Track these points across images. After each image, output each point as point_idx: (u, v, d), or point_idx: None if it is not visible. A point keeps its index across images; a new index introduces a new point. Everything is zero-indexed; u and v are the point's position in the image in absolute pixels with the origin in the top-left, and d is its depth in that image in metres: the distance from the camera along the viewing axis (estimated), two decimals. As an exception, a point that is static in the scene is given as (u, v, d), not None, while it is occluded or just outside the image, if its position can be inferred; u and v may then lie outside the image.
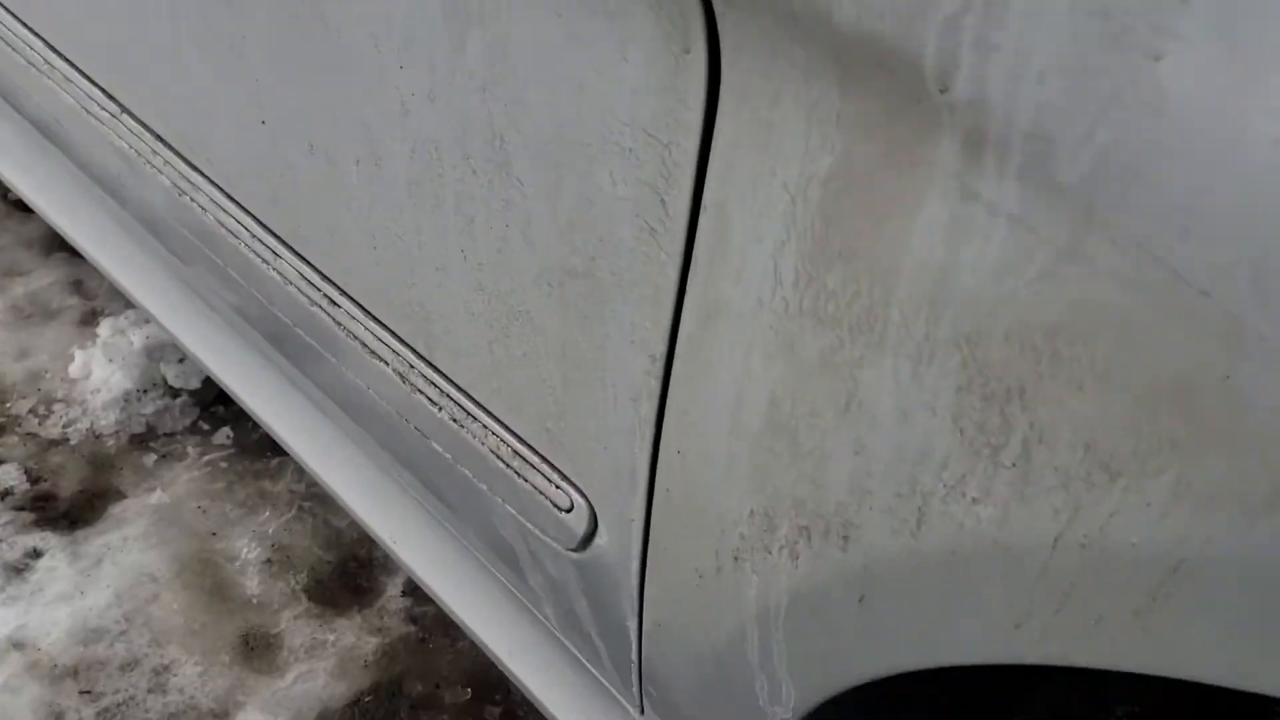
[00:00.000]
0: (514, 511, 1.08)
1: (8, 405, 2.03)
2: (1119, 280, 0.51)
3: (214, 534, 1.87)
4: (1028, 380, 0.56)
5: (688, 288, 0.75)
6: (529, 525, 1.07)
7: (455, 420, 1.07)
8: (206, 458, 1.99)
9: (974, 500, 0.61)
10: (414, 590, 1.81)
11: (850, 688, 0.79)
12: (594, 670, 1.26)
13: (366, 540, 1.87)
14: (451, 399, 1.06)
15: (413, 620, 1.78)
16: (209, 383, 2.07)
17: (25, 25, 1.52)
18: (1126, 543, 0.54)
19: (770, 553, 0.77)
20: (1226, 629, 0.53)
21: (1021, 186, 0.54)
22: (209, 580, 1.81)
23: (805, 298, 0.66)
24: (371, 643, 1.74)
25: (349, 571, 1.85)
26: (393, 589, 1.82)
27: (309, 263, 1.17)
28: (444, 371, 1.06)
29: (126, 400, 2.04)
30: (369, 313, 1.12)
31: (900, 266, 0.60)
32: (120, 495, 1.92)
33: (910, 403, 0.62)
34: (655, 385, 0.82)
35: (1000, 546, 0.60)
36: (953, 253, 0.58)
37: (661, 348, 0.80)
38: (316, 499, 1.93)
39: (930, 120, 0.57)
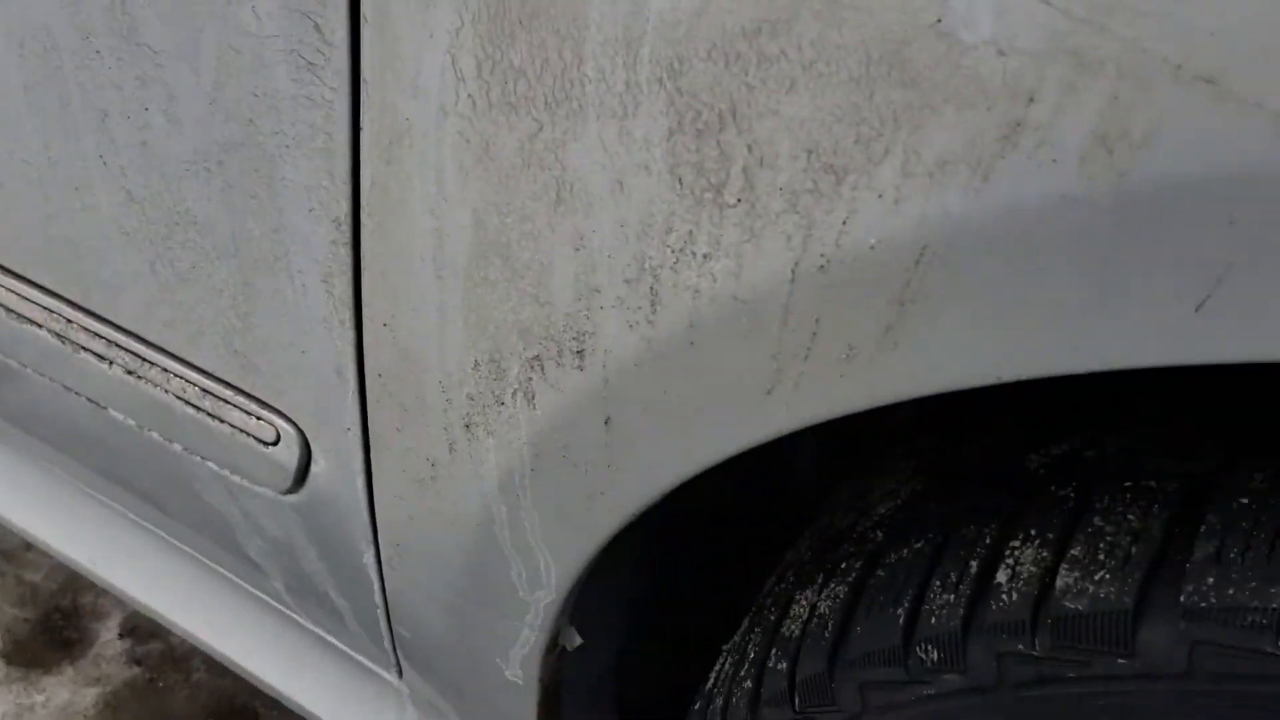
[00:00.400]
0: (215, 466, 0.96)
1: None
2: (813, -49, 0.47)
3: (-125, 614, 1.61)
4: (738, 97, 0.51)
5: (362, 123, 0.67)
6: (235, 478, 0.95)
7: (131, 373, 0.93)
8: None
9: (705, 257, 0.55)
10: (133, 629, 1.61)
11: (611, 539, 0.73)
12: (343, 645, 1.14)
13: (69, 587, 1.66)
14: (121, 347, 0.92)
15: (136, 661, 1.58)
16: None
17: None
18: (865, 247, 0.50)
19: (504, 403, 0.69)
20: (976, 317, 0.50)
21: (696, -119, 0.49)
22: (-125, 666, 1.55)
23: (492, 87, 0.59)
24: (90, 694, 1.54)
25: (53, 626, 1.63)
26: (107, 633, 1.62)
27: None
28: (106, 317, 0.92)
29: None
30: (6, 269, 0.96)
31: (587, 12, 0.54)
32: None
33: (623, 168, 0.56)
34: (345, 254, 0.73)
35: (739, 301, 0.55)
36: (637, -23, 0.52)
37: (345, 206, 0.71)
38: (1, 555, 1.69)
39: None
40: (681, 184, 0.55)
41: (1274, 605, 0.51)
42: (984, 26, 0.44)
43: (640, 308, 0.59)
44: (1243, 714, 0.53)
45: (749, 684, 0.74)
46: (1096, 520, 0.59)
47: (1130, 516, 0.58)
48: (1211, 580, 0.53)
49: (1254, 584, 0.52)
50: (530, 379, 0.67)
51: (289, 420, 0.86)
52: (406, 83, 0.63)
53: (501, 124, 0.60)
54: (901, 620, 0.64)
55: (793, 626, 0.73)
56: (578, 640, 0.87)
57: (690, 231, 0.56)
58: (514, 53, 0.58)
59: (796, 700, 0.70)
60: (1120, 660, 0.56)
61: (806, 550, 0.82)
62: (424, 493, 0.80)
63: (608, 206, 0.58)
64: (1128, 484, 0.60)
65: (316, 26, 0.65)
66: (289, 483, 0.90)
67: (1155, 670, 0.55)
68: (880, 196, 0.49)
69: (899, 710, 0.65)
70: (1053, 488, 0.63)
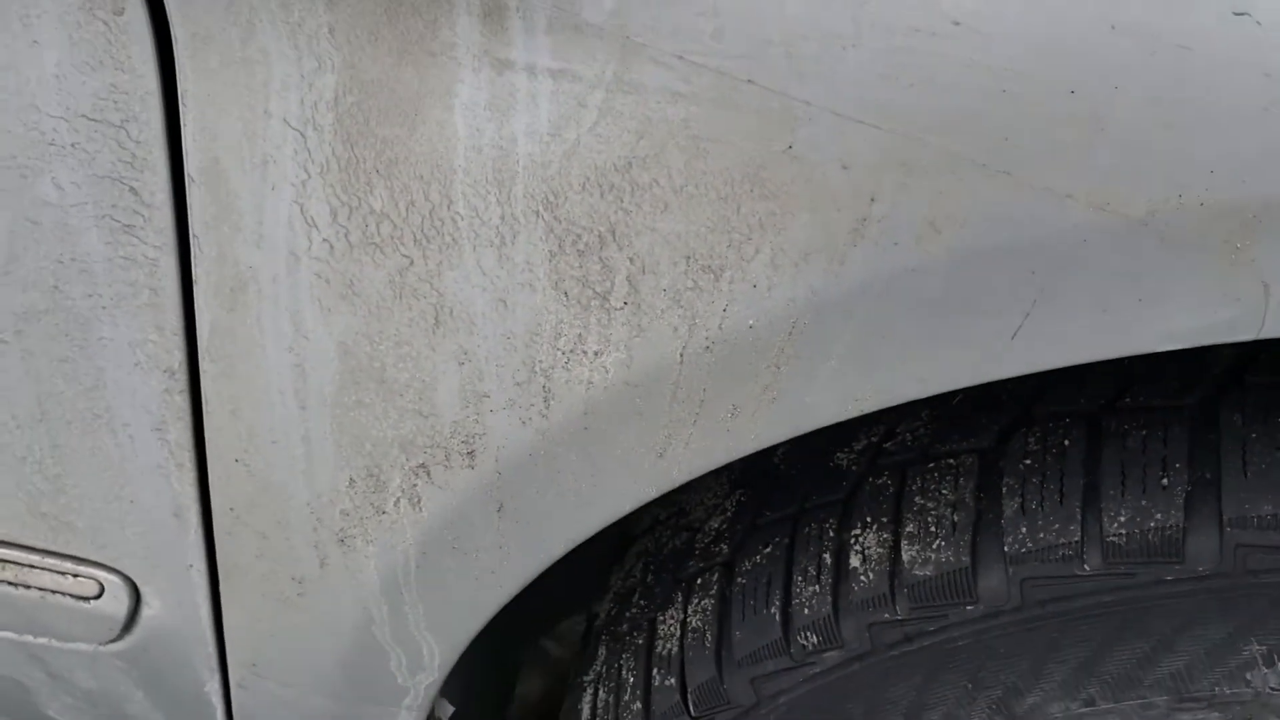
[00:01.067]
0: (15, 635, 0.90)
1: None
2: (672, 95, 0.56)
3: None
4: (615, 220, 0.59)
5: (195, 276, 0.68)
6: (42, 641, 0.90)
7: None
8: None
9: (597, 354, 0.63)
10: None
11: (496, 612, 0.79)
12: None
13: None
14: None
15: None
16: None
17: None
18: (745, 328, 0.60)
19: (385, 512, 0.73)
20: (839, 368, 0.61)
21: (554, 40, 0.57)
22: None
23: (351, 230, 0.63)
24: None
25: None
26: None
27: None
28: None
29: None
30: None
31: (452, 159, 0.60)
32: None
33: (505, 288, 0.63)
34: (182, 401, 0.73)
35: (631, 386, 0.64)
36: (505, 126, 0.59)
37: (179, 356, 0.71)
38: None
39: (442, 4, 0.57)
40: (568, 296, 0.62)
41: (1075, 539, 0.67)
42: (829, 149, 0.55)
43: (533, 405, 0.66)
44: (1070, 629, 0.68)
45: (637, 705, 0.83)
46: (918, 499, 0.73)
47: (944, 491, 0.73)
48: (1024, 530, 0.69)
49: (1056, 525, 0.68)
50: (415, 485, 0.71)
51: (114, 571, 0.84)
52: (247, 234, 0.65)
53: (366, 263, 0.64)
54: (778, 616, 0.76)
55: (668, 645, 0.82)
56: (450, 709, 0.92)
57: (580, 334, 0.63)
58: (373, 198, 0.62)
59: (691, 708, 0.80)
60: (968, 608, 0.70)
61: (641, 573, 0.92)
62: (288, 610, 0.81)
63: (491, 323, 0.64)
64: (931, 465, 0.74)
65: (132, 190, 0.66)
66: (115, 632, 0.88)
67: (997, 609, 0.69)
68: (755, 286, 0.59)
69: (790, 692, 0.76)
70: (870, 479, 0.77)
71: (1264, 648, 0.66)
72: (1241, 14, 0.50)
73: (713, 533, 0.85)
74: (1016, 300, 0.57)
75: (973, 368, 0.60)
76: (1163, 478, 0.67)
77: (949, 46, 0.53)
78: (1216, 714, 0.69)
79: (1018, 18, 0.52)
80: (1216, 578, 0.65)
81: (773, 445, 0.76)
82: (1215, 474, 0.66)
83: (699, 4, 0.55)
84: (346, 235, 0.64)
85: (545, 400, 0.65)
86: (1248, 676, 0.67)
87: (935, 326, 0.59)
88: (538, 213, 0.60)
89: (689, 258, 0.60)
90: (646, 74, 0.56)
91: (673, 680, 0.81)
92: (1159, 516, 0.66)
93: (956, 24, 0.52)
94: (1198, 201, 0.52)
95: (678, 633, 0.82)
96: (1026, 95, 0.53)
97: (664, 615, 0.84)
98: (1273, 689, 0.67)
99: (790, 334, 0.60)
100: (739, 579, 0.80)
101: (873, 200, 0.56)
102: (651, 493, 0.69)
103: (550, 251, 0.61)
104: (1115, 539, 0.67)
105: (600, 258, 0.61)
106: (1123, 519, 0.67)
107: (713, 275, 0.60)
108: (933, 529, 0.71)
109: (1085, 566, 0.67)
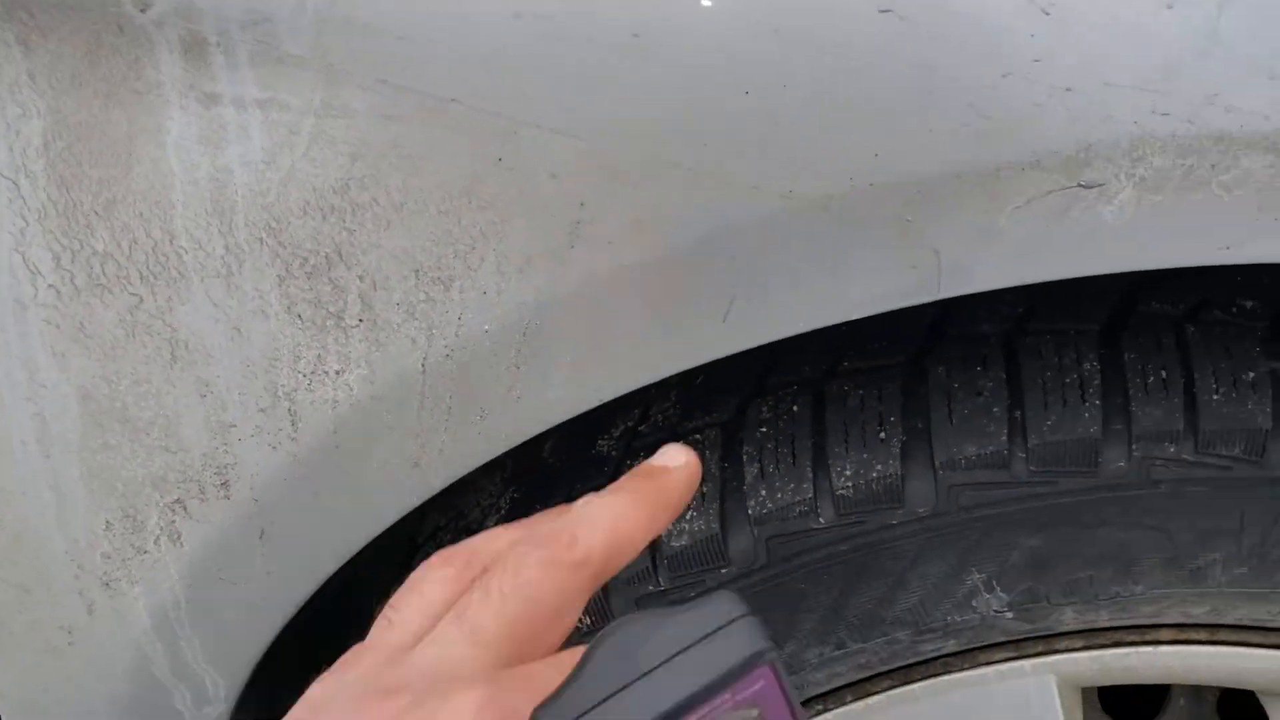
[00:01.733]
0: None
1: None
2: (382, 118, 0.58)
3: None
4: (340, 240, 0.61)
5: (-86, 333, 0.66)
6: None
7: None
8: None
9: (338, 373, 0.65)
10: None
11: (278, 636, 0.79)
12: None
13: None
14: None
15: None
16: None
17: None
18: (481, 333, 0.63)
19: (146, 551, 0.73)
20: (575, 362, 0.65)
21: (258, 72, 0.58)
22: None
23: (76, 274, 0.63)
24: None
25: None
26: None
27: None
28: None
29: None
30: None
31: (170, 195, 0.61)
32: None
33: (238, 317, 0.63)
34: (-85, 463, 0.71)
35: (377, 400, 0.65)
36: (219, 158, 0.59)
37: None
38: None
39: (141, 43, 0.57)
40: (302, 319, 0.63)
41: (809, 496, 0.73)
42: (536, 159, 0.59)
43: (280, 429, 0.67)
44: (815, 579, 0.74)
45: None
46: (671, 476, 0.78)
47: (693, 466, 0.77)
48: (764, 492, 0.74)
49: (791, 485, 0.74)
50: (173, 521, 0.71)
51: None
52: (-34, 285, 0.64)
53: (95, 305, 0.64)
54: (551, 604, 0.79)
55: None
56: (248, 736, 0.92)
57: (319, 355, 0.64)
58: (95, 240, 0.62)
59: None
60: (723, 570, 0.75)
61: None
62: (61, 659, 0.80)
63: (228, 352, 0.65)
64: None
65: None
66: (-128, 711, 0.84)
67: (748, 569, 0.75)
68: (485, 293, 0.62)
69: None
70: (627, 461, 0.81)
71: (984, 575, 0.73)
72: (886, 10, 0.56)
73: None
74: (723, 286, 0.62)
75: (694, 350, 0.65)
76: (880, 431, 0.73)
77: (635, 58, 0.56)
78: (952, 640, 0.76)
79: (694, 28, 0.56)
80: (935, 517, 0.72)
81: (540, 440, 0.79)
82: (925, 423, 0.73)
83: (398, 30, 0.57)
84: (72, 279, 0.63)
85: (293, 423, 0.67)
86: (974, 604, 0.74)
87: (656, 316, 0.63)
88: (261, 240, 0.61)
89: (418, 271, 0.62)
90: (354, 99, 0.58)
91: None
92: (879, 467, 0.72)
93: (636, 36, 0.56)
94: (868, 183, 0.58)
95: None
96: (710, 98, 0.57)
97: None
98: (996, 611, 0.74)
99: (524, 335, 0.63)
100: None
101: (583, 205, 0.60)
102: (413, 501, 0.71)
103: (279, 276, 0.62)
104: (844, 492, 0.73)
105: (330, 278, 0.62)
106: (848, 473, 0.73)
107: (443, 286, 0.62)
108: (685, 503, 0.76)
109: (820, 520, 0.73)
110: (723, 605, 0.40)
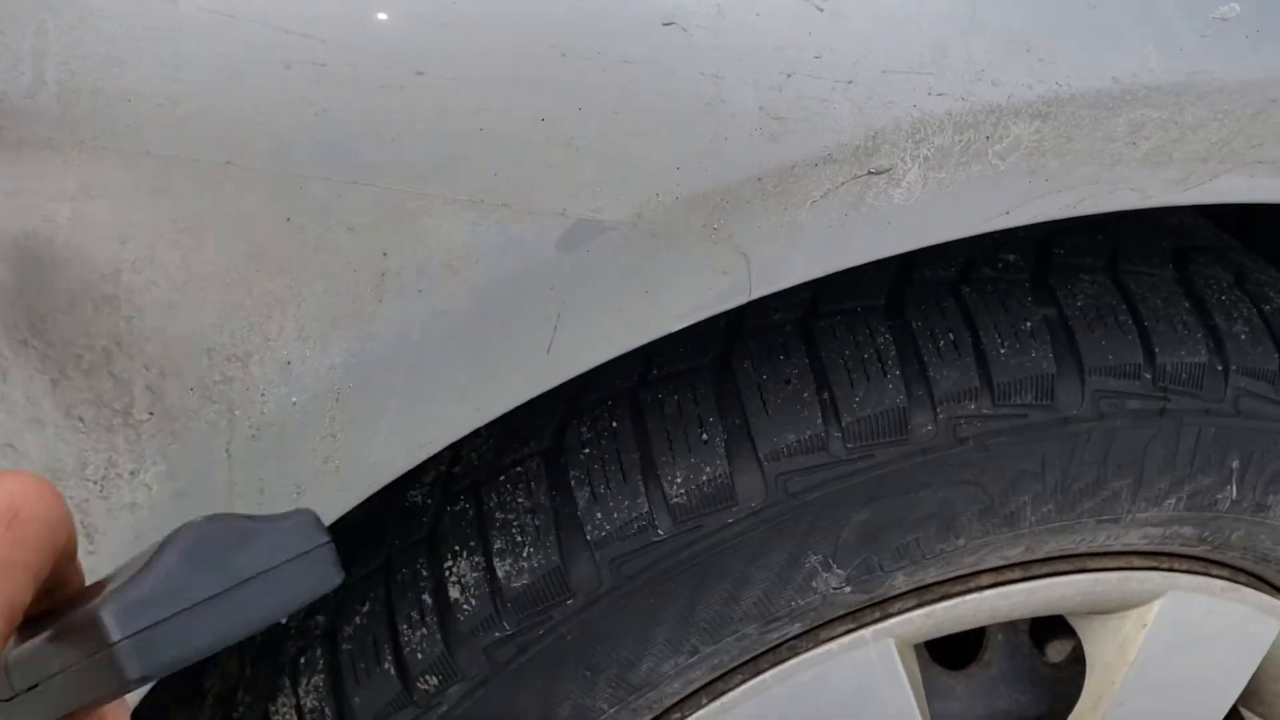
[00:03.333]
0: None
1: None
2: (150, 192, 0.53)
3: None
4: (118, 331, 0.55)
5: None
6: None
7: None
8: None
9: (133, 473, 0.59)
10: None
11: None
12: None
13: None
14: None
15: None
16: None
17: None
18: (289, 407, 0.59)
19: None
20: (393, 422, 0.61)
21: (-5, 158, 0.51)
22: None
23: None
24: None
25: None
26: None
27: None
28: None
29: None
30: None
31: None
32: None
33: (11, 432, 0.56)
34: None
35: (180, 495, 0.60)
36: (-40, 260, 0.52)
37: None
38: None
39: None
40: (84, 421, 0.57)
41: (644, 509, 0.72)
42: (328, 213, 0.55)
43: (80, 543, 0.60)
44: (662, 592, 0.74)
45: (271, 805, 0.79)
46: (498, 514, 0.75)
47: (520, 499, 0.75)
48: (600, 514, 0.73)
49: (625, 502, 0.73)
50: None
51: None
52: None
53: None
54: (393, 670, 0.75)
55: (289, 733, 0.79)
56: None
57: (109, 458, 0.58)
58: None
59: (328, 788, 0.77)
60: (569, 602, 0.73)
61: (239, 669, 0.87)
62: None
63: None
64: (502, 478, 0.77)
65: None
66: None
67: (594, 595, 0.73)
68: (288, 363, 0.58)
69: (423, 739, 0.76)
70: (448, 507, 0.78)
71: (820, 556, 0.75)
72: (669, 24, 0.56)
73: (305, 607, 0.82)
74: (543, 317, 0.60)
75: (521, 386, 0.63)
76: (702, 434, 0.74)
77: (420, 97, 0.54)
78: (798, 624, 0.78)
79: (476, 59, 0.54)
80: (768, 508, 0.73)
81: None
82: (743, 419, 0.74)
83: (156, 96, 0.52)
84: None
85: (89, 537, 0.60)
86: (814, 585, 0.76)
87: (478, 358, 0.61)
88: (25, 342, 0.55)
89: (210, 350, 0.57)
90: (116, 177, 0.52)
91: (304, 768, 0.78)
92: (708, 469, 0.73)
93: (420, 74, 0.53)
94: (673, 196, 0.58)
95: (295, 718, 0.79)
96: (503, 129, 0.55)
97: (275, 706, 0.81)
98: (835, 589, 0.76)
99: (337, 401, 0.59)
100: (344, 645, 0.78)
101: (385, 255, 0.56)
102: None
103: (52, 380, 0.56)
104: (678, 499, 0.73)
105: (111, 373, 0.56)
106: (679, 480, 0.73)
107: (240, 362, 0.57)
108: (519, 539, 0.74)
109: (660, 532, 0.73)
110: (306, 529, 0.41)
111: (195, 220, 0.54)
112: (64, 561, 0.42)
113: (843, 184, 0.60)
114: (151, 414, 0.58)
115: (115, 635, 0.36)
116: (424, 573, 0.76)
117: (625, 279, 0.60)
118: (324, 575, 0.41)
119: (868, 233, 0.62)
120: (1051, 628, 0.99)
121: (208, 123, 0.53)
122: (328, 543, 0.41)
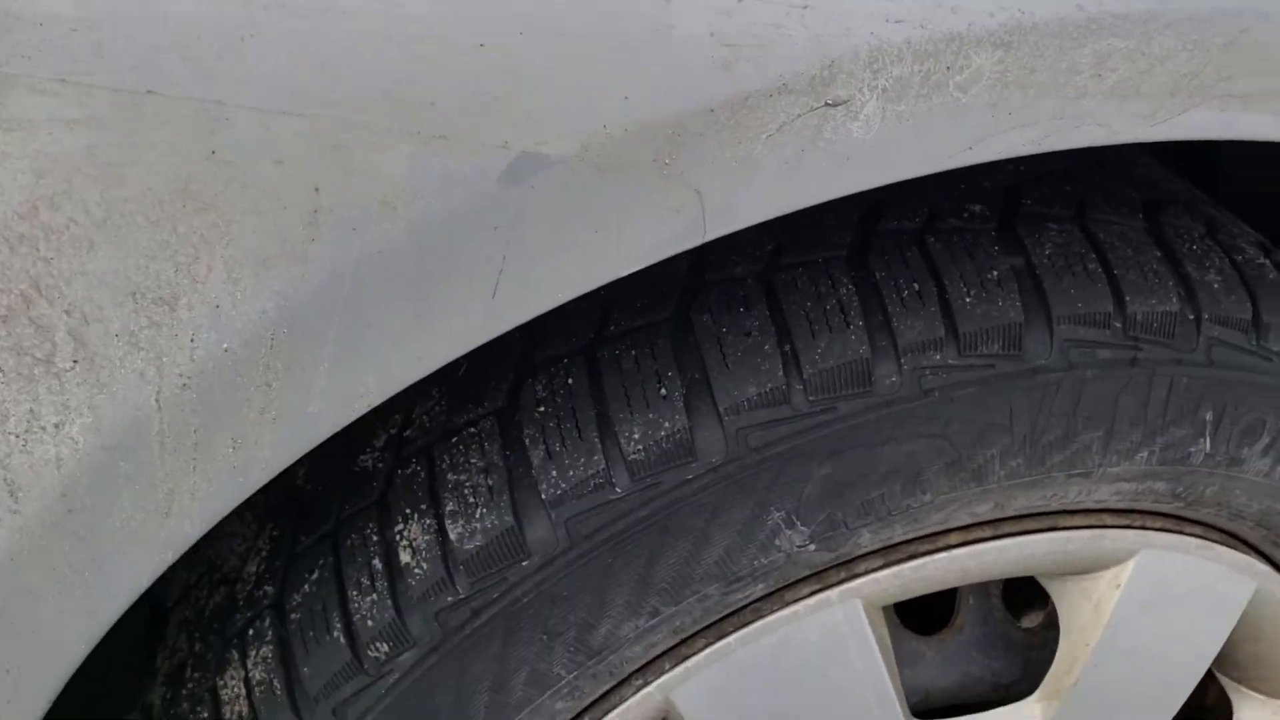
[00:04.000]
0: None
1: None
2: (66, 124, 0.50)
3: None
4: (37, 272, 0.52)
5: None
6: None
7: None
8: None
9: (57, 426, 0.56)
10: None
11: None
12: None
13: None
14: None
15: None
16: None
17: None
18: (220, 353, 0.56)
19: None
20: (333, 369, 0.59)
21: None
22: None
23: None
24: None
25: None
26: None
27: None
28: None
29: None
30: None
31: None
32: None
33: (-80, 381, 0.53)
34: None
35: (108, 449, 0.57)
36: None
37: None
38: None
39: None
40: (3, 372, 0.54)
41: (601, 467, 0.70)
42: (256, 146, 0.52)
43: (1, 500, 0.57)
44: (620, 552, 0.71)
45: (219, 780, 0.76)
46: (450, 476, 0.73)
47: (473, 459, 0.72)
48: (555, 473, 0.70)
49: (582, 460, 0.70)
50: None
51: None
52: None
53: None
54: (342, 638, 0.72)
55: (237, 708, 0.76)
56: None
57: (31, 409, 0.55)
58: None
59: (278, 761, 0.75)
60: (524, 564, 0.71)
61: (187, 644, 0.84)
62: None
63: (-85, 426, 0.54)
64: (455, 439, 0.74)
65: None
66: None
67: (550, 556, 0.71)
68: (218, 307, 0.55)
69: (375, 709, 0.73)
70: (399, 470, 0.75)
71: (782, 513, 0.73)
72: (614, -54, 0.53)
73: (253, 578, 0.80)
74: (487, 259, 0.57)
75: (466, 334, 0.60)
76: (660, 389, 0.71)
77: (351, 21, 0.51)
78: (762, 585, 0.76)
79: (411, -20, 0.51)
80: (728, 464, 0.71)
81: (293, 469, 0.72)
82: (703, 373, 0.72)
83: (70, 20, 0.49)
84: None
85: (11, 494, 0.57)
86: (777, 543, 0.74)
87: (419, 302, 0.58)
88: (-66, 287, 0.52)
89: (135, 294, 0.54)
90: (29, 106, 0.50)
91: (252, 742, 0.75)
92: (666, 425, 0.70)
93: (352, -5, 0.51)
94: (622, 128, 0.55)
95: (243, 692, 0.76)
96: (440, 57, 0.53)
97: (224, 679, 0.78)
98: (799, 547, 0.74)
99: (271, 347, 0.57)
100: (293, 615, 0.75)
101: (318, 190, 0.54)
102: (169, 557, 0.62)
103: (-33, 326, 0.53)
104: (636, 456, 0.70)
105: (30, 319, 0.53)
106: (637, 436, 0.70)
107: (168, 306, 0.54)
108: (472, 500, 0.71)
109: (617, 489, 0.70)
110: None
111: (115, 153, 0.51)
112: None
113: (799, 116, 0.58)
114: (75, 363, 0.55)
115: None
116: (374, 538, 0.74)
117: (573, 217, 0.58)
118: None
119: (826, 169, 0.60)
120: (1024, 593, 0.97)
121: (126, 48, 0.50)
122: None
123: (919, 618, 0.95)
